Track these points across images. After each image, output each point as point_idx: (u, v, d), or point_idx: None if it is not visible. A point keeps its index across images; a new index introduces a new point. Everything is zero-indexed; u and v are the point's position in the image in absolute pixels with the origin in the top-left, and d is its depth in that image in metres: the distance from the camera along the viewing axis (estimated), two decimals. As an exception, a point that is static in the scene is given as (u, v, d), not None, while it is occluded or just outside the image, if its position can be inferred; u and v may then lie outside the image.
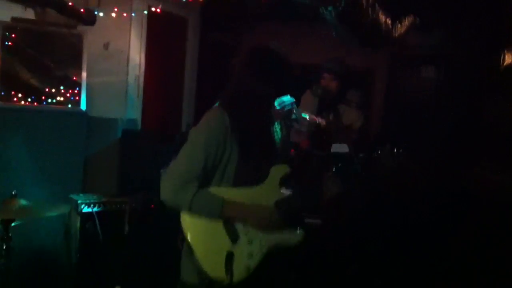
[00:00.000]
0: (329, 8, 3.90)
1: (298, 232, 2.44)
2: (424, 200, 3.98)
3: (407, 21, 4.65)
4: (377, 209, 3.66)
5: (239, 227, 2.39)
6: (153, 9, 4.93)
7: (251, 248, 2.37)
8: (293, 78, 2.50)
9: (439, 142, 4.61)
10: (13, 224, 3.09)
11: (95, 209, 4.05)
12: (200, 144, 2.38)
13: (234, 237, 2.37)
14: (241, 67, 2.50)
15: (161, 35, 5.46)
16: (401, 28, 4.58)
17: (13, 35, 4.52)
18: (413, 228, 3.81)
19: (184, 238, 2.39)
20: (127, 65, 5.14)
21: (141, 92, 5.29)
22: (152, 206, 4.30)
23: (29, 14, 4.79)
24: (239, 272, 2.30)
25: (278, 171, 2.48)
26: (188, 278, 2.45)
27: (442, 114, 5.08)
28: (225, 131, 2.39)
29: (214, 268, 2.31)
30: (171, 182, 2.36)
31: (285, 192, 2.55)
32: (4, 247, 3.06)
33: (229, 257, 2.28)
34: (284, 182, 2.50)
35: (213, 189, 2.41)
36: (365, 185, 2.57)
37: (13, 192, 3.16)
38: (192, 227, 2.37)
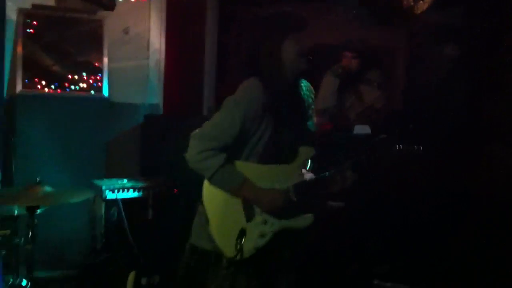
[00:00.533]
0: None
1: (307, 216, 2.44)
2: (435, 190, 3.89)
3: (429, -2, 4.54)
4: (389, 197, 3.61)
5: (257, 207, 2.40)
6: (172, -8, 4.90)
7: (264, 228, 2.39)
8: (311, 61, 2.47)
9: (460, 122, 4.51)
10: (38, 211, 3.12)
11: (119, 194, 4.08)
12: (238, 111, 2.34)
13: (250, 215, 2.40)
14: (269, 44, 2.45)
15: (180, 18, 5.43)
16: (423, 5, 4.48)
17: (34, 22, 4.55)
18: (422, 219, 3.75)
19: (202, 201, 2.42)
20: (148, 50, 5.14)
21: (162, 77, 5.28)
22: (175, 190, 4.31)
23: (49, 0, 4.81)
24: (247, 249, 2.33)
25: (305, 152, 2.47)
26: (199, 242, 2.49)
27: (462, 93, 4.96)
28: (264, 104, 2.37)
29: (225, 241, 2.35)
30: (202, 144, 2.34)
31: (306, 173, 2.55)
32: (30, 234, 3.09)
33: (241, 234, 2.28)
34: (307, 164, 2.49)
35: (239, 164, 2.40)
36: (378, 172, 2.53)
37: (37, 179, 3.18)
38: (212, 196, 2.41)
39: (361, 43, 4.33)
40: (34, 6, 4.63)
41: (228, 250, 2.33)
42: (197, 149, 2.35)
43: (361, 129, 3.69)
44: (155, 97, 5.24)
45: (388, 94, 4.42)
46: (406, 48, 5.85)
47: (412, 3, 4.34)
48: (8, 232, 3.37)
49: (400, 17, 4.54)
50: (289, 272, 2.55)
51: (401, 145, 2.42)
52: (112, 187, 4.09)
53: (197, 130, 2.40)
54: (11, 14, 4.49)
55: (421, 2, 4.38)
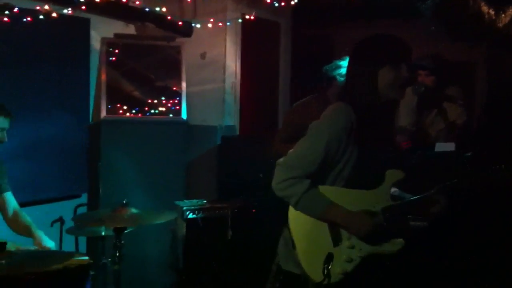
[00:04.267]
0: (428, 2, 3.77)
1: (397, 241, 2.39)
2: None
3: (511, 10, 4.40)
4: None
5: (343, 230, 2.38)
6: (247, 16, 4.98)
7: (352, 252, 2.36)
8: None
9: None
10: (124, 232, 3.22)
11: (200, 215, 4.15)
12: (322, 140, 2.33)
13: (336, 240, 2.37)
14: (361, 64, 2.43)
15: (255, 41, 5.52)
16: (505, 18, 4.34)
17: (116, 50, 4.75)
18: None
19: (288, 227, 2.42)
20: (224, 73, 5.24)
21: (238, 99, 5.37)
22: (253, 210, 4.34)
23: (130, 29, 5.02)
24: (335, 274, 2.30)
25: (392, 176, 2.43)
26: (286, 265, 2.49)
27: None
28: (350, 129, 2.35)
29: (312, 266, 2.33)
30: (285, 173, 2.35)
31: (395, 194, 2.50)
32: (117, 254, 3.19)
33: (329, 258, 2.27)
34: (396, 184, 2.45)
35: (324, 188, 2.39)
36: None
37: (124, 201, 3.29)
38: (298, 221, 2.40)
39: (437, 58, 4.23)
40: (116, 35, 4.85)
41: (315, 274, 2.31)
42: (281, 177, 2.36)
43: (443, 147, 3.59)
44: (232, 119, 5.33)
45: (470, 110, 4.28)
46: (486, 62, 5.67)
47: (493, 17, 4.22)
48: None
49: (480, 31, 4.41)
50: None
51: (502, 165, 2.33)
52: (192, 207, 4.17)
53: (281, 159, 2.41)
54: (95, 43, 4.72)
55: (503, 15, 4.25)
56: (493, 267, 3.40)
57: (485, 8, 4.12)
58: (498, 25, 4.33)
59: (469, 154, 2.89)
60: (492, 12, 4.19)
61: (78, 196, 4.54)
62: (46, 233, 3.33)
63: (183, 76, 4.87)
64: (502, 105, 5.39)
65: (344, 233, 2.37)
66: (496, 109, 5.36)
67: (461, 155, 2.73)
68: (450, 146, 3.38)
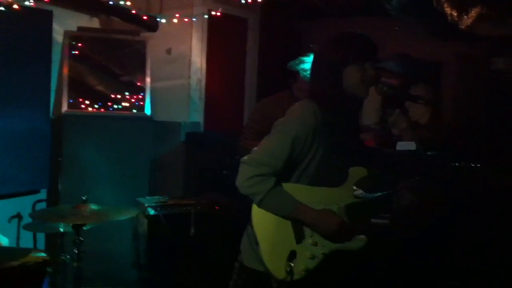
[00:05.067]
0: (392, 1, 3.80)
1: (360, 237, 2.40)
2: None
3: (474, 12, 4.46)
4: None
5: (307, 228, 2.38)
6: (213, 12, 4.95)
7: (315, 250, 2.36)
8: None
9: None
10: (84, 228, 3.17)
11: (162, 211, 4.12)
12: (288, 137, 2.32)
13: (299, 237, 2.37)
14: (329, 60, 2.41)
15: (221, 37, 5.50)
16: (468, 20, 4.40)
17: (80, 44, 4.66)
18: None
19: (252, 224, 2.40)
20: (189, 69, 5.21)
21: (203, 95, 5.35)
22: (216, 207, 4.32)
23: (95, 23, 4.93)
24: (298, 271, 2.30)
25: (355, 173, 2.45)
26: (249, 262, 2.47)
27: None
28: (315, 127, 2.34)
29: (275, 263, 2.32)
30: (251, 170, 2.33)
31: (358, 192, 2.52)
32: (76, 251, 3.15)
33: (291, 255, 2.29)
34: (359, 183, 2.47)
35: (288, 186, 2.38)
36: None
37: (83, 197, 3.24)
38: (261, 218, 2.38)
39: (402, 58, 4.27)
40: (80, 28, 4.76)
41: (278, 271, 2.31)
42: (246, 175, 2.34)
43: (405, 146, 3.62)
44: (197, 115, 5.30)
45: (435, 110, 4.33)
46: (455, 63, 5.75)
47: (456, 18, 4.28)
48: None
49: (446, 31, 4.46)
50: None
51: (458, 163, 2.37)
52: (154, 204, 4.14)
53: (246, 156, 2.39)
54: (58, 36, 4.62)
55: (465, 17, 4.31)
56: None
57: (448, 9, 4.18)
58: (462, 26, 4.39)
59: (431, 153, 2.93)
60: (455, 13, 4.24)
61: (37, 191, 4.44)
62: (3, 229, 3.26)
63: (148, 71, 4.81)
64: (469, 104, 5.49)
65: (307, 230, 2.37)
66: (462, 108, 5.45)
67: (423, 154, 2.75)
68: (411, 145, 3.41)
